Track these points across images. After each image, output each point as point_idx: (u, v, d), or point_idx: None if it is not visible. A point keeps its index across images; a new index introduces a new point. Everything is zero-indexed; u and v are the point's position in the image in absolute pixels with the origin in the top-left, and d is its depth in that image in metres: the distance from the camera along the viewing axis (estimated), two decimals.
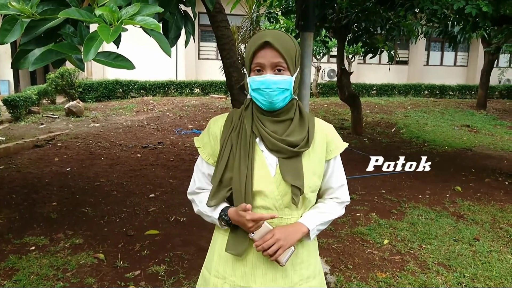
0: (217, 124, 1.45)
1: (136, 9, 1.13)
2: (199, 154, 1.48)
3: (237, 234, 1.38)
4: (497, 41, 12.10)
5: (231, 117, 1.43)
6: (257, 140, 1.39)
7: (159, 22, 1.83)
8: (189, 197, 1.52)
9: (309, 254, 1.46)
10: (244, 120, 1.39)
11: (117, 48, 1.68)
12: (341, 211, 1.51)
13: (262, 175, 1.36)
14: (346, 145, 1.50)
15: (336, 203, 1.49)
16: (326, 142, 1.44)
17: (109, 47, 1.74)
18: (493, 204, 4.96)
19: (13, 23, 1.27)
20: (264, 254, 1.33)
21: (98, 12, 1.11)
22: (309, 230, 1.38)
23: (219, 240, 1.45)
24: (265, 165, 1.37)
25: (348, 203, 1.54)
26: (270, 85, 1.31)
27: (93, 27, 1.22)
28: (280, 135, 1.36)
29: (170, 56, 1.42)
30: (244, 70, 1.41)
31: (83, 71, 1.80)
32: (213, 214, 1.41)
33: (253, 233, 1.33)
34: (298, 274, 1.42)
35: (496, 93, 16.78)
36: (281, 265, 1.35)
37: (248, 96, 1.42)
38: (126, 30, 1.19)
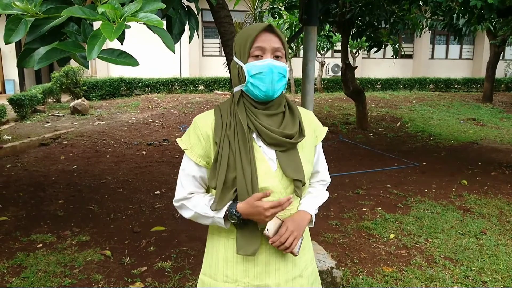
0: (206, 123, 1.38)
1: (138, 6, 1.13)
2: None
3: (246, 234, 1.34)
4: (503, 34, 11.97)
5: (219, 114, 1.38)
6: (254, 135, 1.37)
7: (162, 18, 1.84)
8: (177, 204, 1.41)
9: (307, 239, 1.52)
10: (238, 115, 1.35)
11: (121, 45, 1.69)
12: (327, 193, 1.58)
13: (265, 171, 1.34)
14: (326, 129, 1.55)
15: (322, 186, 1.56)
16: (313, 129, 1.48)
17: (113, 44, 1.74)
18: (500, 197, 4.93)
19: (17, 22, 1.27)
20: (281, 248, 1.32)
21: (100, 9, 1.11)
22: (311, 216, 1.43)
23: (222, 244, 1.40)
24: (265, 160, 1.35)
25: (329, 183, 1.60)
26: (272, 69, 1.31)
27: (97, 25, 1.22)
28: (276, 128, 1.35)
29: (174, 52, 1.42)
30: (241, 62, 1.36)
31: (88, 68, 1.81)
32: (217, 214, 1.33)
33: (267, 230, 1.31)
34: (303, 259, 1.46)
35: (502, 86, 16.64)
36: (295, 255, 1.37)
37: (236, 90, 1.39)
38: (129, 27, 1.19)
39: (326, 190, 1.58)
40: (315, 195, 1.50)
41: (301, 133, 1.39)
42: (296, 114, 1.42)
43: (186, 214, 1.40)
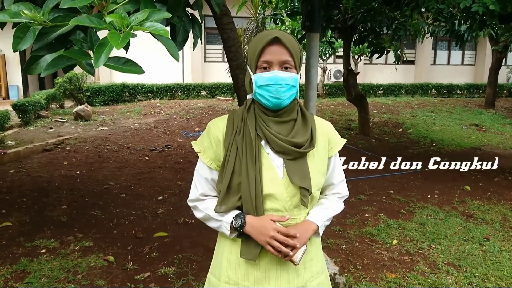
0: (218, 127, 1.41)
1: (144, 15, 1.15)
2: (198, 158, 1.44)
3: (249, 239, 1.36)
4: (505, 39, 11.98)
5: (232, 119, 1.40)
6: (262, 142, 1.37)
7: (166, 26, 1.86)
8: (191, 204, 1.46)
9: (316, 251, 1.49)
10: (247, 122, 1.36)
11: (126, 52, 1.71)
12: (342, 205, 1.55)
13: (270, 178, 1.34)
14: (344, 141, 1.52)
15: (337, 198, 1.53)
16: (328, 140, 1.46)
17: (117, 51, 1.77)
18: (503, 203, 4.91)
19: (26, 30, 1.29)
20: (279, 255, 1.32)
21: (108, 19, 1.13)
22: (318, 227, 1.41)
23: (227, 246, 1.43)
24: (273, 167, 1.36)
25: (347, 197, 1.57)
26: (278, 81, 1.30)
27: (102, 33, 1.24)
28: (285, 136, 1.35)
29: (178, 60, 1.44)
30: (248, 69, 1.38)
31: (93, 75, 1.83)
32: (224, 218, 1.37)
33: None
34: (308, 271, 1.44)
35: (505, 91, 16.61)
36: (295, 264, 1.34)
37: (249, 97, 1.41)
38: (135, 35, 1.21)
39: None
40: (326, 206, 1.47)
41: (311, 142, 1.37)
42: (308, 122, 1.40)
43: (198, 214, 1.45)
